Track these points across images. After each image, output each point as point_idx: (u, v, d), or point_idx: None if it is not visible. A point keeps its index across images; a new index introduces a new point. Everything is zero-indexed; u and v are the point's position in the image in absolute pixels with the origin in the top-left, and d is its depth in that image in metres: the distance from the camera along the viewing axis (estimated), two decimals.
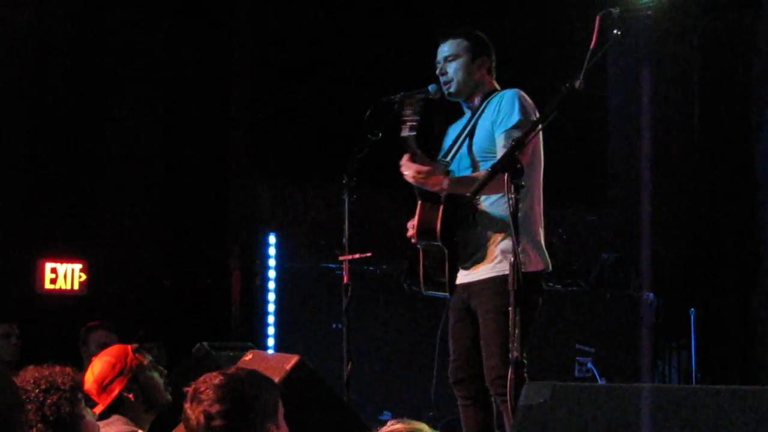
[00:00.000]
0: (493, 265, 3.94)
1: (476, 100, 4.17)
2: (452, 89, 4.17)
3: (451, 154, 4.10)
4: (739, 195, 8.31)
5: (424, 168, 3.89)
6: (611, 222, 8.81)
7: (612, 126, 8.91)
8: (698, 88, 8.63)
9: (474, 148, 4.07)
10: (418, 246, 4.07)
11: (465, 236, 4.00)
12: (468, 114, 4.23)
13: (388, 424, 2.20)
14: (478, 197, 3.90)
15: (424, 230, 3.98)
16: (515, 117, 3.95)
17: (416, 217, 4.02)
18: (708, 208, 8.50)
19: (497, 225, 3.95)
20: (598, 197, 8.78)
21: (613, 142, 8.92)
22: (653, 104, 8.08)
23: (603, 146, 8.87)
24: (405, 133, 3.98)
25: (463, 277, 4.04)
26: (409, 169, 3.91)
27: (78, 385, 2.93)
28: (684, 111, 8.71)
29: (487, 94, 4.16)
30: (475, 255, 4.00)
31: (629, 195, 8.50)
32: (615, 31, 3.38)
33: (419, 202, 4.03)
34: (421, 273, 4.08)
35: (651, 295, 8.11)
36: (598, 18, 3.39)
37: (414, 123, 3.99)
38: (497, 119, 4.01)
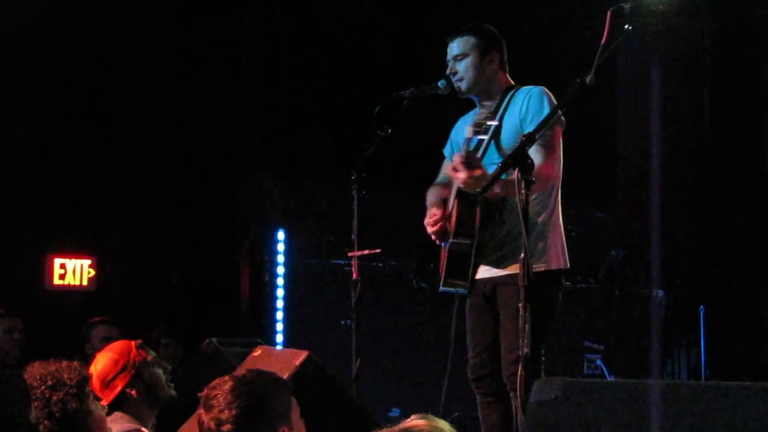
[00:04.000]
0: (518, 262, 3.90)
1: (494, 97, 4.14)
2: (464, 87, 4.16)
3: (480, 152, 4.06)
4: (749, 192, 8.28)
5: (476, 173, 3.81)
6: (620, 219, 8.78)
7: (621, 123, 8.88)
8: (708, 85, 8.59)
9: (503, 144, 4.05)
10: (446, 243, 4.06)
11: (492, 233, 4.01)
12: (478, 109, 4.20)
13: (411, 418, 2.20)
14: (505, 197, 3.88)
15: (462, 228, 3.98)
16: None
17: (453, 215, 4.02)
18: (718, 205, 8.47)
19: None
20: (608, 194, 8.75)
21: (622, 138, 8.89)
22: (663, 101, 8.04)
23: (612, 143, 8.85)
24: (469, 134, 3.95)
25: (486, 271, 4.05)
26: (462, 172, 3.82)
27: (85, 380, 2.92)
28: (694, 108, 8.67)
29: (507, 90, 4.14)
30: (501, 251, 4.01)
31: (638, 192, 8.47)
32: (626, 26, 3.35)
33: (456, 200, 4.02)
34: (443, 269, 4.07)
35: (660, 292, 8.08)
36: (609, 13, 3.37)
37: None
38: (526, 117, 4.00)
